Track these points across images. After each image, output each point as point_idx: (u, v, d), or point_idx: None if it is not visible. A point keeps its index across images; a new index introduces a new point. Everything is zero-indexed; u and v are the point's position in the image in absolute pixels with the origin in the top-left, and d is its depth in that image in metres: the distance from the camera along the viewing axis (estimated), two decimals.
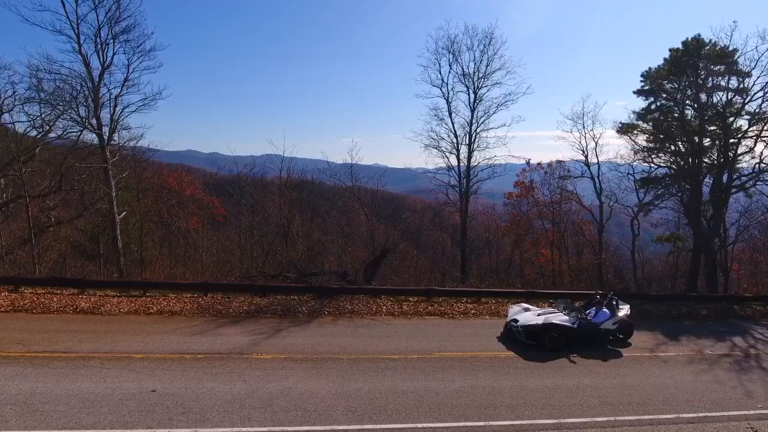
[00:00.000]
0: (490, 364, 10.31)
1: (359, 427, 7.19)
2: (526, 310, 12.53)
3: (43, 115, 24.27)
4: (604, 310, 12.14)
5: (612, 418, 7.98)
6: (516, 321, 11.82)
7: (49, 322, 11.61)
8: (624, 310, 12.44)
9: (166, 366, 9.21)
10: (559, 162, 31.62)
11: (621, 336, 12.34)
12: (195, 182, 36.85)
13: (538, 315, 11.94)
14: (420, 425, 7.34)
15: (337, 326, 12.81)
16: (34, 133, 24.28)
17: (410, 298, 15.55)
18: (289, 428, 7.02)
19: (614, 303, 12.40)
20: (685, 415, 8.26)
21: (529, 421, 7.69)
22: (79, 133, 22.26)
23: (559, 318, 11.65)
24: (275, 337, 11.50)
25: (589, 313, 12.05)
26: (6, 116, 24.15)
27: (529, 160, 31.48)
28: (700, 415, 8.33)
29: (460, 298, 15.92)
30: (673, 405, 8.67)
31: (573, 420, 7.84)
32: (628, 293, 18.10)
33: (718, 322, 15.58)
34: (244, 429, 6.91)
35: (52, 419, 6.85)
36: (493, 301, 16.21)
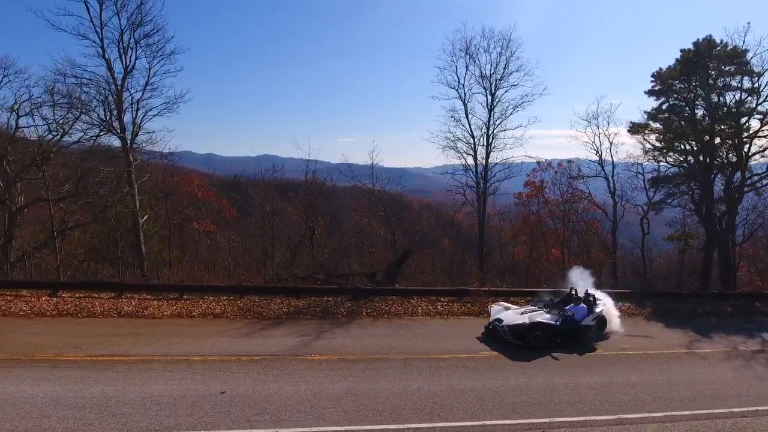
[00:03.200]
0: (542, 362, 10.54)
1: (430, 425, 7.39)
2: (507, 309, 12.50)
3: (57, 119, 24.34)
4: (582, 306, 12.17)
5: (668, 414, 8.22)
6: (500, 321, 11.74)
7: (97, 326, 11.75)
8: (601, 306, 12.49)
9: (227, 368, 9.38)
10: (569, 161, 31.94)
11: (598, 331, 12.40)
12: (205, 184, 36.85)
13: (521, 314, 11.93)
14: (489, 422, 7.56)
15: (378, 327, 13.02)
16: (51, 136, 24.35)
17: (442, 299, 15.77)
18: (365, 427, 7.21)
19: (591, 299, 12.45)
20: (736, 410, 8.50)
21: (592, 417, 7.92)
22: (95, 137, 22.35)
23: (543, 316, 11.73)
24: (321, 338, 11.69)
25: (568, 310, 12.04)
26: (23, 120, 24.20)
27: (539, 160, 31.68)
28: (751, 409, 8.59)
29: (488, 298, 16.11)
30: (722, 400, 8.95)
31: (632, 416, 8.09)
32: (651, 291, 18.43)
33: (743, 319, 15.95)
34: (321, 429, 7.11)
35: (133, 422, 7.00)
36: (522, 301, 16.44)
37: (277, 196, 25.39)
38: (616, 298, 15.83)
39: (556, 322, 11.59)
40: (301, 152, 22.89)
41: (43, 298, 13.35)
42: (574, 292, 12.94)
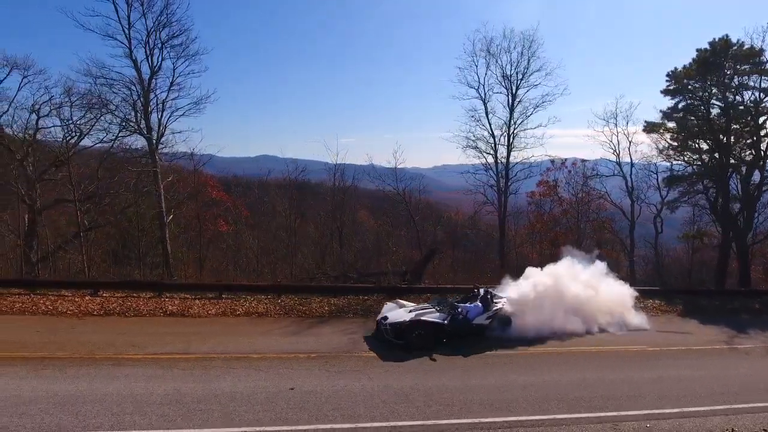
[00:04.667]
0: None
1: (504, 419, 7.50)
2: (401, 306, 12.00)
3: (76, 120, 24.37)
4: (477, 304, 11.83)
5: (730, 406, 8.37)
6: (386, 318, 11.20)
7: (147, 325, 11.85)
8: (500, 304, 12.21)
9: (287, 365, 9.50)
10: (583, 161, 32.11)
11: (498, 328, 11.95)
12: (218, 184, 36.88)
13: (410, 312, 11.44)
14: (559, 416, 7.68)
15: None
16: (72, 137, 24.39)
17: None
18: (442, 422, 7.31)
19: (489, 297, 12.12)
20: None
21: (654, 411, 8.03)
22: (120, 137, 22.42)
23: (430, 315, 11.24)
24: None
25: (463, 308, 11.62)
26: (44, 121, 24.21)
27: (553, 159, 31.80)
28: None
29: None
30: None
31: (697, 408, 8.23)
32: (680, 288, 18.62)
33: None
34: (398, 423, 7.21)
35: (213, 417, 7.11)
36: None
37: (299, 196, 25.44)
38: (645, 295, 16.19)
39: (444, 320, 11.07)
40: (329, 154, 22.99)
41: (86, 298, 13.41)
42: (475, 290, 12.65)
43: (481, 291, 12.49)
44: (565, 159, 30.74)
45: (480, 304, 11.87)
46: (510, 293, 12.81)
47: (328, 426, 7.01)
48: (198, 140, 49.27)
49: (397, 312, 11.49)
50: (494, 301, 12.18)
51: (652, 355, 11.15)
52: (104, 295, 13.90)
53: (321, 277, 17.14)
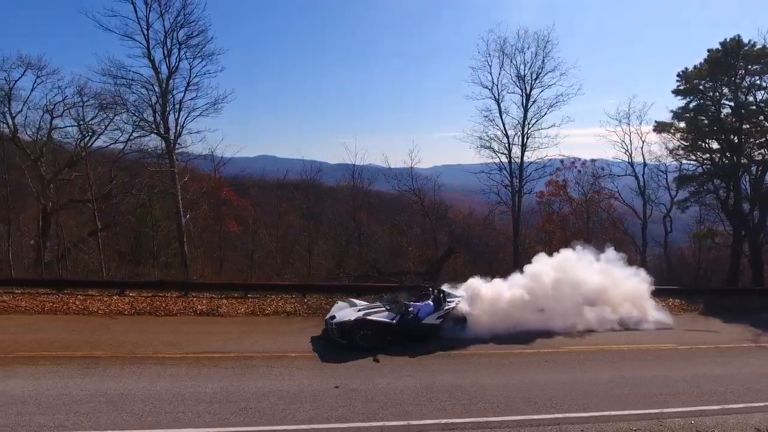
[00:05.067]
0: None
1: (550, 416, 7.56)
2: (352, 305, 11.57)
3: (88, 120, 24.40)
4: (428, 303, 11.42)
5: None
6: (333, 318, 10.85)
7: (180, 325, 11.91)
8: (453, 303, 11.74)
9: (326, 363, 9.55)
10: (593, 161, 32.23)
11: (452, 328, 11.55)
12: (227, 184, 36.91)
13: (358, 311, 11.03)
14: (606, 413, 7.76)
15: None
16: (85, 137, 24.44)
17: None
18: (482, 419, 7.32)
19: (441, 296, 11.67)
20: None
21: (696, 408, 8.12)
22: (136, 137, 22.47)
23: (378, 314, 10.89)
24: None
25: (414, 308, 11.19)
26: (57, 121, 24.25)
27: (563, 158, 31.89)
28: None
29: None
30: None
31: (738, 405, 8.31)
32: (701, 288, 18.74)
33: None
34: (449, 421, 7.25)
35: (265, 415, 7.17)
36: None
37: (313, 197, 25.50)
38: (665, 294, 16.29)
39: (392, 320, 10.74)
40: (348, 155, 22.93)
41: (114, 298, 13.44)
42: (429, 288, 12.28)
43: (443, 290, 12.07)
44: (578, 159, 30.81)
45: (431, 302, 11.44)
46: (467, 292, 12.33)
47: (379, 423, 7.05)
48: (218, 140, 49.62)
49: (346, 311, 11.09)
50: (447, 300, 11.69)
51: (684, 354, 11.22)
52: (131, 294, 13.91)
53: (343, 277, 17.20)
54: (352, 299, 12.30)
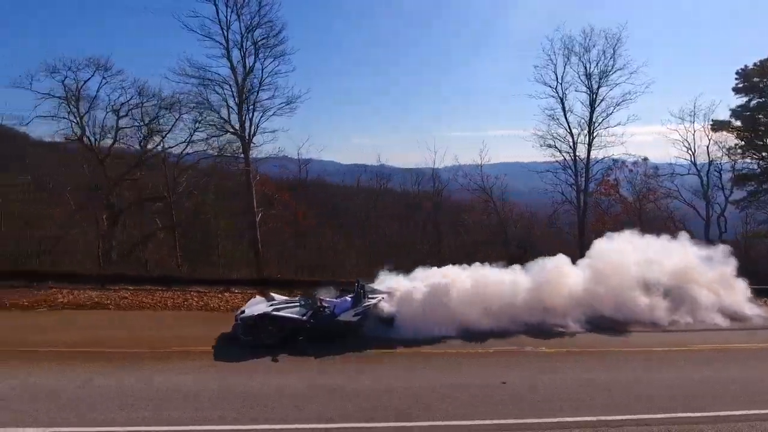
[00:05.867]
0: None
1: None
2: (270, 300, 10.65)
3: (151, 120, 24.81)
4: (347, 299, 10.58)
5: None
6: (242, 312, 10.02)
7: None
8: (376, 299, 10.81)
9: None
10: (644, 159, 31.89)
11: (375, 327, 10.71)
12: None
13: (269, 305, 10.17)
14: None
15: None
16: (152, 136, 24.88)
17: None
18: (629, 417, 7.02)
19: (361, 291, 10.64)
20: None
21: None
22: (207, 137, 22.77)
23: (289, 310, 10.09)
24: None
25: (330, 304, 10.34)
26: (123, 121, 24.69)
27: (616, 157, 31.60)
28: None
29: None
30: None
31: None
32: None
33: None
34: (608, 418, 6.99)
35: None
36: None
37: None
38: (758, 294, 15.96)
39: (303, 316, 9.93)
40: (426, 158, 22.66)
41: (227, 294, 13.69)
42: (357, 284, 11.03)
43: (364, 285, 11.02)
44: (640, 157, 30.47)
45: (349, 298, 10.58)
46: (393, 287, 11.39)
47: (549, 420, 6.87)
48: (304, 140, 49.86)
49: (259, 306, 10.18)
50: (369, 296, 10.73)
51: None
52: (236, 290, 14.14)
53: None
54: (273, 293, 11.30)
